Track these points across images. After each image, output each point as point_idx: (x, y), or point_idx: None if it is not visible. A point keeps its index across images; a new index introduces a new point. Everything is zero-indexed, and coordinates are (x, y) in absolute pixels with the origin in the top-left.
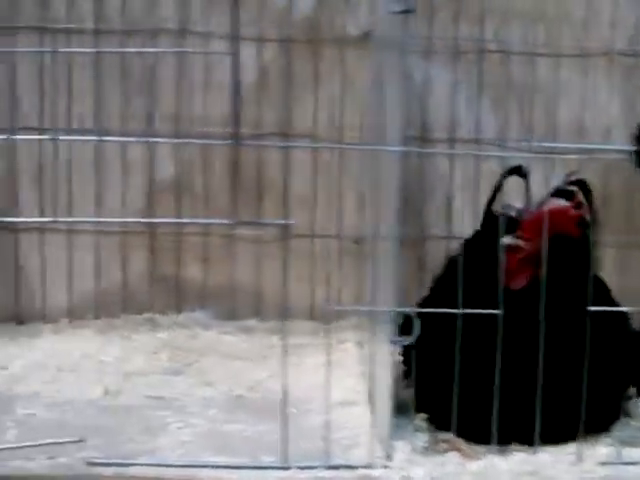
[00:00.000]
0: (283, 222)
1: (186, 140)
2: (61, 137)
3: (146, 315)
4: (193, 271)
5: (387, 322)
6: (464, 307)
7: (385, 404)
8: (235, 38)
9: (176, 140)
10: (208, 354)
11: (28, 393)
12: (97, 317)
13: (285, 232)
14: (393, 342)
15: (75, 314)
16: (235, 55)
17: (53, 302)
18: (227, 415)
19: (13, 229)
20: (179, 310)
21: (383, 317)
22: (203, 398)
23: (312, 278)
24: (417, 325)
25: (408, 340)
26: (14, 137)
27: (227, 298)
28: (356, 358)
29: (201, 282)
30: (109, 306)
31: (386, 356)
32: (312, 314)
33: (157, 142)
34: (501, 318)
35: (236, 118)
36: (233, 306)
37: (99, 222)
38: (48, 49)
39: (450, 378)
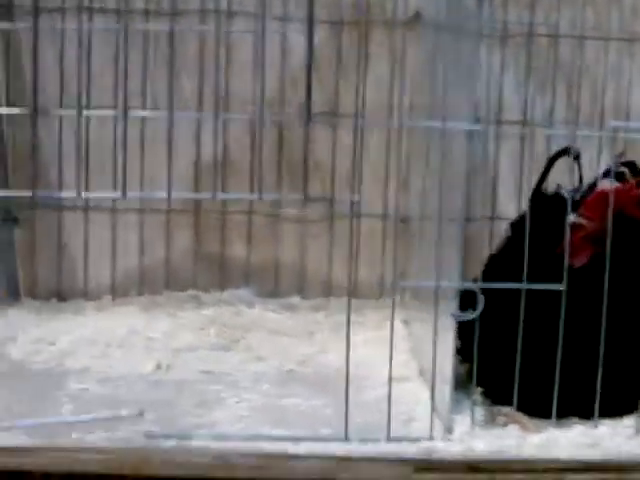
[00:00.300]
0: (352, 200)
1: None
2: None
3: (190, 292)
4: (237, 249)
5: (450, 298)
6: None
7: (446, 378)
8: (310, 20)
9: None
10: (254, 330)
11: (79, 368)
12: (140, 294)
13: (353, 209)
14: (456, 317)
15: (118, 292)
16: (309, 36)
17: (96, 280)
18: (280, 389)
19: (57, 207)
20: (223, 288)
21: (446, 293)
22: (255, 373)
23: (356, 257)
24: (481, 300)
25: (472, 315)
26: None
27: (270, 276)
28: (402, 335)
29: (245, 260)
30: (152, 284)
31: (448, 331)
32: (356, 292)
33: (230, 118)
34: (564, 293)
35: (308, 96)
36: (276, 284)
37: (144, 200)
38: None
39: (510, 352)
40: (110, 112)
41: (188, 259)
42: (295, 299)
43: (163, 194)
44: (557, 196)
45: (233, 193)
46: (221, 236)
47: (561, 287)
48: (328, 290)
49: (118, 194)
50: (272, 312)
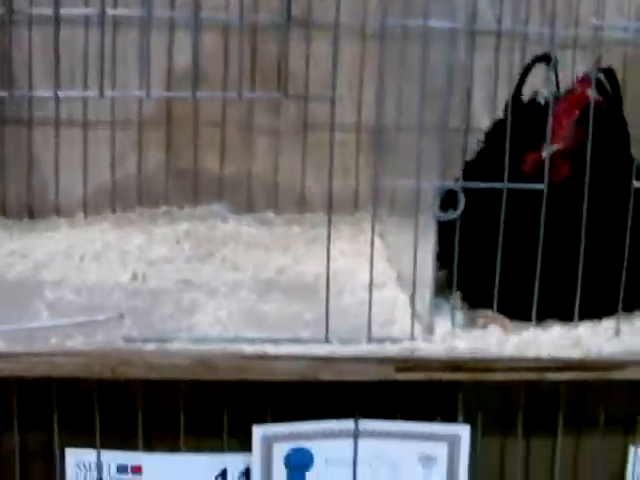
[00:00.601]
0: (329, 95)
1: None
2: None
3: (163, 208)
4: (210, 163)
5: (430, 200)
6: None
7: (426, 281)
8: None
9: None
10: (229, 244)
11: (54, 279)
12: (113, 211)
13: (331, 107)
14: (437, 217)
15: (90, 208)
16: None
17: (67, 196)
18: (259, 296)
19: (27, 122)
20: (196, 203)
21: (426, 196)
22: (232, 281)
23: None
24: (462, 199)
25: (453, 215)
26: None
27: (244, 190)
28: (378, 247)
29: (217, 174)
30: (125, 200)
31: (428, 234)
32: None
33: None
34: (545, 193)
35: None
36: (250, 198)
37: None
38: None
39: (490, 255)
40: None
41: (161, 174)
42: (269, 214)
43: (140, 93)
44: (534, 103)
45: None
46: (194, 150)
47: (542, 186)
48: (302, 205)
49: (95, 92)
50: (247, 226)
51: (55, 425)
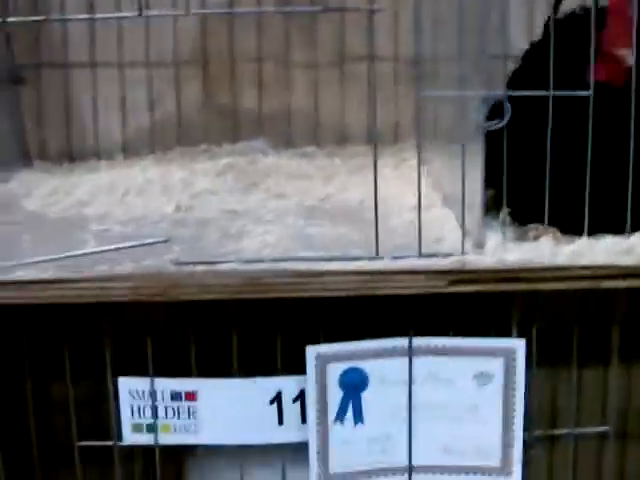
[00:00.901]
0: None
1: None
2: None
3: (203, 147)
4: (248, 99)
5: (477, 109)
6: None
7: (475, 198)
8: None
9: None
10: (272, 175)
11: (98, 213)
12: (153, 151)
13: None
14: (484, 127)
15: (129, 150)
16: None
17: (106, 138)
18: (306, 221)
19: (64, 65)
20: (235, 140)
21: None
22: (278, 209)
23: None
24: (508, 108)
25: (499, 124)
26: None
27: (283, 126)
28: (422, 173)
29: (256, 111)
30: (164, 140)
31: (475, 150)
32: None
33: None
34: (591, 99)
35: None
36: (290, 134)
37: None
38: None
39: (539, 168)
40: None
41: (199, 113)
42: (310, 148)
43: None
44: (573, 15)
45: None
46: (231, 86)
47: (589, 93)
48: (342, 137)
49: (133, 13)
50: (287, 160)
51: (107, 353)
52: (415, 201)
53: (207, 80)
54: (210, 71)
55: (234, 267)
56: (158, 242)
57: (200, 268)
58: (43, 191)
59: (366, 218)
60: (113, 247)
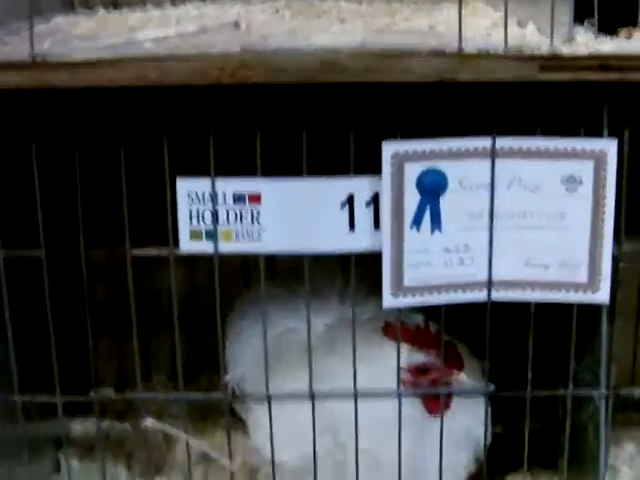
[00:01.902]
0: None
1: None
2: None
3: None
4: None
5: None
6: None
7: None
8: None
9: None
10: (332, 11)
11: (153, 36)
12: None
13: None
14: None
15: None
16: None
17: None
18: (373, 38)
19: None
20: None
21: None
22: (344, 30)
23: None
24: None
25: None
26: None
27: None
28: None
29: None
30: None
31: None
32: None
33: None
34: None
35: None
36: None
37: None
38: None
39: None
40: None
41: None
42: None
43: None
44: None
45: None
46: None
47: None
48: None
49: None
50: (345, 2)
51: (165, 150)
52: (488, 22)
53: None
54: None
55: (310, 49)
56: (227, 24)
57: (273, 47)
58: (85, 24)
59: (438, 34)
60: (173, 32)
